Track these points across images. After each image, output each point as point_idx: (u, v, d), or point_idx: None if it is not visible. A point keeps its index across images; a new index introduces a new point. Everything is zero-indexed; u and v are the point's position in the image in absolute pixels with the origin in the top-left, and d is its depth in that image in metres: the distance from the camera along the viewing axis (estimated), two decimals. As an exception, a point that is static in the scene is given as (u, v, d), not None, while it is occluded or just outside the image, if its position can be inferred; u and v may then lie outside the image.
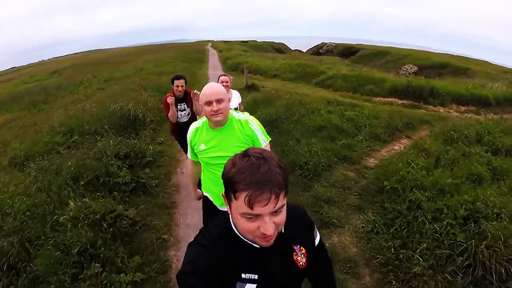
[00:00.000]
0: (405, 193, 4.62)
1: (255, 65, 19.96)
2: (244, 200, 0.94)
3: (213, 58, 33.01)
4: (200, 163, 2.47)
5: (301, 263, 1.22)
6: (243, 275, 1.11)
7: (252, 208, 0.95)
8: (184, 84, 4.48)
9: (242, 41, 65.57)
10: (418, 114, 10.14)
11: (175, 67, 21.90)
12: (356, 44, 55.85)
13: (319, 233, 1.41)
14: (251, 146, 2.23)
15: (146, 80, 15.03)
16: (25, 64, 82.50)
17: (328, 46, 56.27)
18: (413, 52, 44.01)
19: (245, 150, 1.05)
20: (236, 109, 4.60)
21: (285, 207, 1.03)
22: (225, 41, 66.46)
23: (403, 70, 33.27)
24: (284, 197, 1.01)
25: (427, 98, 13.23)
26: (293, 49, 68.41)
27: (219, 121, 2.19)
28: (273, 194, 0.94)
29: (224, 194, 1.08)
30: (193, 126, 2.41)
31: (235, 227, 1.12)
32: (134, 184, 5.43)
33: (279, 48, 60.83)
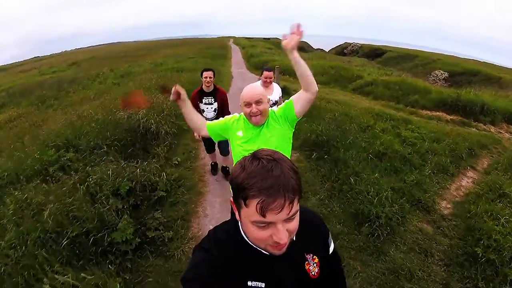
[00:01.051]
0: (503, 269, 3.63)
1: (284, 65, 17.97)
2: (256, 208, 0.86)
3: (236, 55, 31.12)
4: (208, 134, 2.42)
5: (313, 273, 1.12)
6: (249, 283, 1.02)
7: (264, 216, 0.86)
8: (212, 76, 4.31)
9: (264, 38, 63.74)
10: (474, 136, 8.50)
11: (195, 63, 20.16)
12: (381, 45, 53.75)
13: None
14: (290, 129, 2.34)
15: (165, 78, 13.29)
16: (48, 54, 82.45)
17: (353, 47, 54.08)
18: (442, 57, 41.95)
19: (254, 152, 0.97)
20: (276, 102, 4.57)
21: (298, 212, 0.94)
22: (247, 38, 64.67)
23: (433, 76, 31.90)
24: (298, 203, 0.92)
25: (478, 115, 11.56)
26: (315, 48, 66.52)
27: (257, 123, 2.22)
28: (287, 200, 0.86)
29: (232, 200, 1.00)
30: (234, 115, 2.42)
31: (244, 234, 1.03)
32: (138, 240, 3.70)
33: (302, 47, 58.72)
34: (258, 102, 2.16)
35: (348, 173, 5.35)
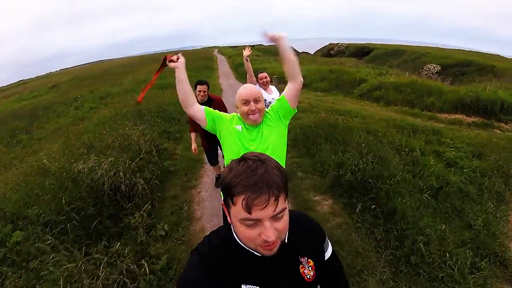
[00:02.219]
0: None
1: (277, 73, 16.23)
2: (242, 204, 0.87)
3: (223, 65, 29.32)
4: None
5: (308, 276, 1.09)
6: (243, 286, 0.99)
7: (250, 212, 0.87)
8: (206, 90, 4.19)
9: (249, 46, 62.10)
10: (503, 139, 7.60)
11: (181, 78, 18.35)
12: (367, 43, 52.51)
13: None
14: (285, 126, 2.31)
15: (146, 98, 11.44)
16: (34, 76, 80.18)
17: (339, 47, 52.66)
18: (431, 50, 40.62)
19: (243, 155, 0.98)
20: None
21: (287, 212, 0.95)
22: (231, 46, 62.98)
23: (425, 70, 30.38)
24: (285, 201, 0.93)
25: (498, 114, 10.54)
26: (300, 51, 65.19)
27: (255, 121, 2.17)
28: (271, 196, 0.87)
29: (223, 203, 1.01)
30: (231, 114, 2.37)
31: (237, 236, 1.02)
32: None
33: (287, 51, 57.19)
34: (256, 100, 2.13)
35: (411, 232, 3.64)
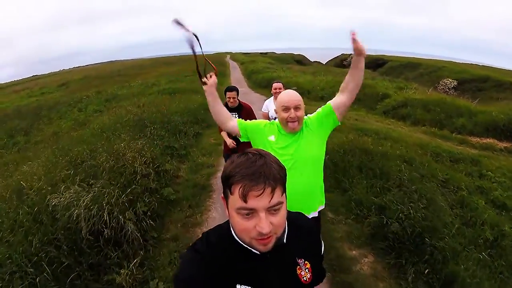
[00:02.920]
0: None
1: (294, 82, 15.26)
2: (239, 192, 0.88)
3: (235, 72, 28.44)
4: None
5: (304, 278, 1.08)
6: (238, 286, 0.99)
7: (246, 201, 0.87)
8: (236, 96, 4.17)
9: (261, 53, 61.41)
10: None
11: (191, 83, 17.52)
12: (382, 55, 51.47)
13: None
14: (325, 138, 2.19)
15: (152, 104, 10.54)
16: (47, 72, 79.98)
17: (352, 58, 51.43)
18: (447, 64, 39.40)
19: (245, 150, 0.98)
20: None
21: (284, 207, 0.95)
22: (244, 53, 62.34)
23: (441, 85, 29.29)
24: (282, 195, 0.92)
25: None
26: (312, 60, 64.33)
27: (294, 129, 2.05)
28: (268, 186, 0.87)
29: (222, 196, 1.00)
30: (267, 120, 2.31)
31: (234, 233, 1.01)
32: None
33: (300, 60, 56.47)
34: (297, 107, 2.01)
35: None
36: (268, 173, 0.89)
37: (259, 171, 0.88)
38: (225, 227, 1.06)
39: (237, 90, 4.24)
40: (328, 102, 2.17)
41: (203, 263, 0.99)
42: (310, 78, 17.47)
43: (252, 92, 16.09)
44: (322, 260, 1.26)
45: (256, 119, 4.10)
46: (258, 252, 0.98)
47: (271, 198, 0.88)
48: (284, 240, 1.04)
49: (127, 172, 4.40)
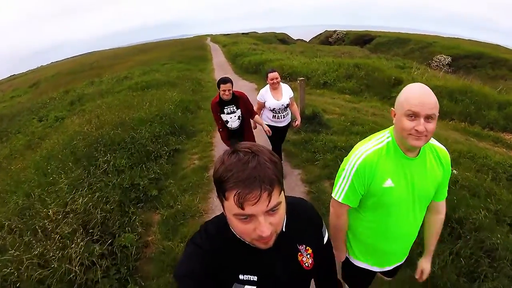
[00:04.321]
0: None
1: (289, 67, 12.60)
2: (234, 200, 0.79)
3: (217, 55, 25.45)
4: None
5: (306, 264, 1.06)
6: (240, 276, 0.96)
7: (243, 208, 0.80)
8: (231, 88, 3.72)
9: (243, 33, 58.01)
10: None
11: (169, 72, 14.81)
12: (368, 31, 49.23)
13: None
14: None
15: (115, 110, 7.95)
16: (25, 70, 74.65)
17: (338, 34, 49.14)
18: (438, 39, 37.59)
19: (235, 146, 0.88)
20: (288, 105, 4.14)
21: (282, 205, 0.88)
22: (225, 34, 58.85)
23: (435, 61, 28.22)
24: (279, 194, 0.85)
25: None
26: (295, 38, 61.61)
27: (418, 146, 1.36)
28: (264, 191, 0.79)
29: (217, 196, 0.90)
30: (369, 148, 1.46)
31: (233, 230, 0.94)
32: None
33: (283, 39, 53.62)
34: (429, 117, 1.27)
35: None
36: (263, 175, 0.79)
37: (253, 175, 0.78)
38: (223, 219, 0.95)
39: (231, 82, 3.77)
40: (444, 195, 1.59)
41: (203, 256, 0.94)
42: (304, 60, 14.67)
43: (239, 79, 13.46)
44: (328, 249, 1.23)
45: (252, 105, 3.92)
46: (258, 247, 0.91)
47: (269, 202, 0.80)
48: (283, 229, 0.96)
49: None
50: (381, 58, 19.95)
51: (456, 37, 44.77)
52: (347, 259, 1.78)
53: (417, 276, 1.74)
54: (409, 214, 1.52)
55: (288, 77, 12.04)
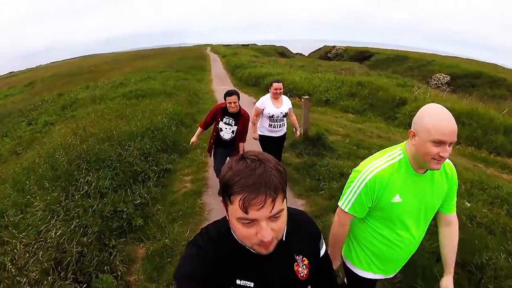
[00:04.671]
0: None
1: (290, 82, 12.14)
2: (239, 204, 0.81)
3: (217, 66, 25.10)
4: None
5: (301, 274, 1.06)
6: (238, 281, 0.97)
7: (247, 212, 0.82)
8: (237, 100, 3.83)
9: (243, 45, 57.98)
10: None
11: (165, 81, 14.32)
12: (367, 47, 49.52)
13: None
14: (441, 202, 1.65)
15: (104, 120, 7.44)
16: (24, 68, 73.75)
17: (337, 50, 49.22)
18: (436, 58, 37.67)
19: (242, 153, 0.91)
20: (286, 114, 4.25)
21: (284, 212, 0.90)
22: (225, 45, 58.77)
23: (434, 80, 28.15)
24: (282, 202, 0.87)
25: None
26: (294, 52, 61.78)
27: (438, 169, 1.42)
28: (268, 197, 0.81)
29: (221, 200, 0.91)
30: (381, 164, 1.51)
31: (235, 235, 0.95)
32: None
33: (282, 52, 53.71)
34: (452, 143, 1.35)
35: None
36: (269, 182, 0.81)
37: (259, 181, 0.80)
38: (224, 224, 0.98)
39: (237, 95, 3.87)
40: (453, 208, 1.64)
41: (204, 258, 0.95)
42: (305, 75, 14.22)
43: (239, 92, 13.06)
44: (327, 261, 1.21)
45: (248, 129, 4.08)
46: (256, 252, 0.93)
47: (272, 208, 0.82)
48: (283, 238, 0.97)
49: None
50: (381, 76, 19.71)
51: (453, 55, 45.14)
52: (350, 269, 1.78)
53: None
54: (415, 225, 1.56)
55: (289, 92, 11.64)
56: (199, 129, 4.23)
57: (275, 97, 4.16)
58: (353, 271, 1.76)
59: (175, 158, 5.83)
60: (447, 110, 1.38)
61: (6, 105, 20.23)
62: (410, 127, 1.45)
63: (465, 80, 28.28)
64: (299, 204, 4.39)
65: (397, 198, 1.49)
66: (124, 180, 4.55)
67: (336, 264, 1.74)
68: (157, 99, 10.15)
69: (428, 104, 1.46)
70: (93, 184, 4.18)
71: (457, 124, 1.26)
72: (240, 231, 0.87)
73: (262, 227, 0.83)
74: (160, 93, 11.25)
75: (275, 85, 4.13)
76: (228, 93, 3.83)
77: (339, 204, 1.62)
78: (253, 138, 4.36)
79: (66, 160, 4.78)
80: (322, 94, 11.23)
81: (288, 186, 3.92)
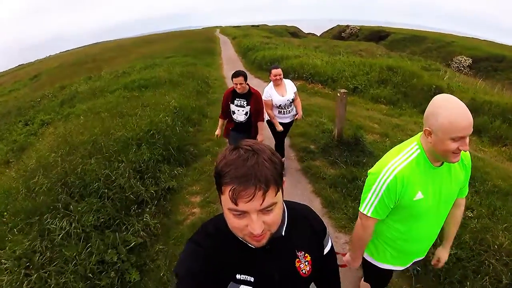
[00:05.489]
0: None
1: (310, 67, 10.70)
2: (229, 195, 0.80)
3: (227, 48, 23.65)
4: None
5: (303, 271, 1.03)
6: (237, 276, 0.95)
7: (236, 204, 0.80)
8: (243, 81, 3.62)
9: (253, 26, 56.02)
10: None
11: (171, 68, 13.08)
12: (382, 26, 47.37)
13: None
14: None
15: (106, 114, 6.32)
16: (34, 60, 72.89)
17: (351, 30, 47.14)
18: (456, 39, 35.49)
19: (238, 143, 0.88)
20: (293, 100, 4.12)
21: (278, 205, 0.86)
22: (234, 26, 56.89)
23: (455, 62, 26.65)
24: (276, 195, 0.83)
25: None
26: (306, 32, 59.70)
27: (455, 162, 1.41)
28: (258, 190, 0.79)
29: (216, 189, 0.90)
30: (400, 163, 1.46)
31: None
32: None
33: (294, 32, 51.77)
34: (467, 137, 1.32)
35: None
36: (260, 174, 0.78)
37: (250, 172, 0.78)
38: (223, 218, 0.93)
39: (244, 75, 3.64)
40: (465, 192, 1.69)
41: (203, 254, 0.94)
42: (326, 58, 12.60)
43: (252, 77, 11.77)
44: (331, 258, 1.20)
45: (263, 108, 3.88)
46: (252, 246, 0.92)
47: (263, 201, 0.80)
48: (283, 233, 0.99)
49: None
50: (403, 58, 18.05)
51: (470, 36, 42.80)
52: (369, 262, 1.78)
53: (433, 263, 1.85)
54: (435, 218, 1.57)
55: (309, 78, 10.21)
56: (220, 120, 4.06)
57: (277, 83, 4.04)
58: (372, 263, 1.75)
59: (180, 171, 4.64)
60: (461, 102, 1.30)
61: (8, 101, 19.26)
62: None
63: (487, 63, 26.71)
64: (341, 243, 3.20)
65: (419, 195, 1.45)
66: (113, 212, 3.40)
67: (357, 264, 1.75)
68: (161, 90, 8.95)
69: (438, 96, 1.36)
70: (73, 225, 3.06)
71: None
72: (231, 221, 0.85)
73: (252, 219, 0.81)
74: (164, 83, 10.03)
75: (274, 71, 4.00)
76: (235, 74, 3.68)
77: (361, 209, 1.56)
78: (278, 130, 4.13)
79: (46, 184, 3.69)
80: (348, 80, 9.69)
81: (326, 212, 3.68)
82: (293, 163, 4.90)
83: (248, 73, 9.28)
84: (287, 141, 5.26)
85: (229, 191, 0.79)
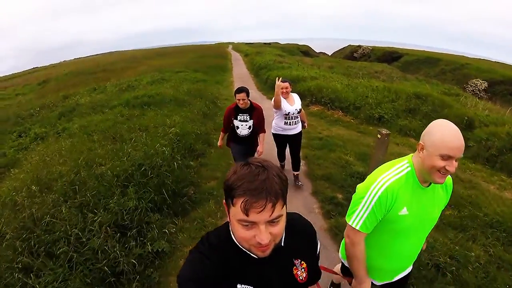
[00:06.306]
0: None
1: (330, 91, 9.77)
2: (241, 206, 0.84)
3: (238, 65, 22.98)
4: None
5: (300, 277, 1.08)
6: (238, 286, 0.97)
7: (247, 215, 0.84)
8: (246, 97, 3.79)
9: (265, 43, 55.75)
10: None
11: (180, 83, 12.27)
12: (395, 47, 46.81)
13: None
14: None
15: (95, 142, 5.42)
16: (48, 64, 73.56)
17: (363, 50, 46.50)
18: (471, 61, 34.62)
19: (247, 159, 0.93)
20: (300, 111, 4.30)
21: (283, 218, 0.91)
22: (247, 43, 56.73)
23: (471, 85, 25.79)
24: (282, 208, 0.89)
25: None
26: (317, 51, 59.42)
27: (441, 184, 1.48)
28: (269, 202, 0.84)
29: (224, 201, 0.96)
30: (390, 177, 1.51)
31: (234, 236, 0.98)
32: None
33: (306, 51, 51.33)
34: (458, 158, 1.38)
35: None
36: (270, 188, 0.84)
37: (261, 186, 0.83)
38: (225, 229, 1.02)
39: (246, 91, 3.82)
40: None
41: (205, 263, 0.96)
42: (345, 81, 11.72)
43: (264, 98, 10.92)
44: (318, 260, 1.23)
45: (264, 121, 4.00)
46: (256, 256, 0.95)
47: (272, 213, 0.85)
48: (282, 243, 1.02)
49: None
50: (421, 81, 17.10)
51: (483, 58, 41.99)
52: (346, 268, 1.83)
53: None
54: (415, 237, 1.59)
55: (329, 103, 9.24)
56: (222, 133, 4.26)
57: (284, 96, 4.20)
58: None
59: (174, 225, 3.67)
60: (456, 126, 1.38)
61: (12, 106, 18.66)
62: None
63: (503, 86, 25.77)
64: None
65: (404, 211, 1.49)
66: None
67: (365, 286, 1.67)
68: (165, 109, 8.08)
69: (437, 120, 1.45)
70: None
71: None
72: (239, 233, 0.88)
73: (261, 230, 0.85)
74: (170, 101, 9.17)
75: (282, 85, 4.07)
76: (238, 90, 3.81)
77: (349, 222, 1.56)
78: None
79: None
80: (373, 108, 8.67)
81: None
82: (317, 219, 3.85)
83: (260, 93, 8.80)
84: (307, 184, 4.36)
85: (242, 202, 0.82)
